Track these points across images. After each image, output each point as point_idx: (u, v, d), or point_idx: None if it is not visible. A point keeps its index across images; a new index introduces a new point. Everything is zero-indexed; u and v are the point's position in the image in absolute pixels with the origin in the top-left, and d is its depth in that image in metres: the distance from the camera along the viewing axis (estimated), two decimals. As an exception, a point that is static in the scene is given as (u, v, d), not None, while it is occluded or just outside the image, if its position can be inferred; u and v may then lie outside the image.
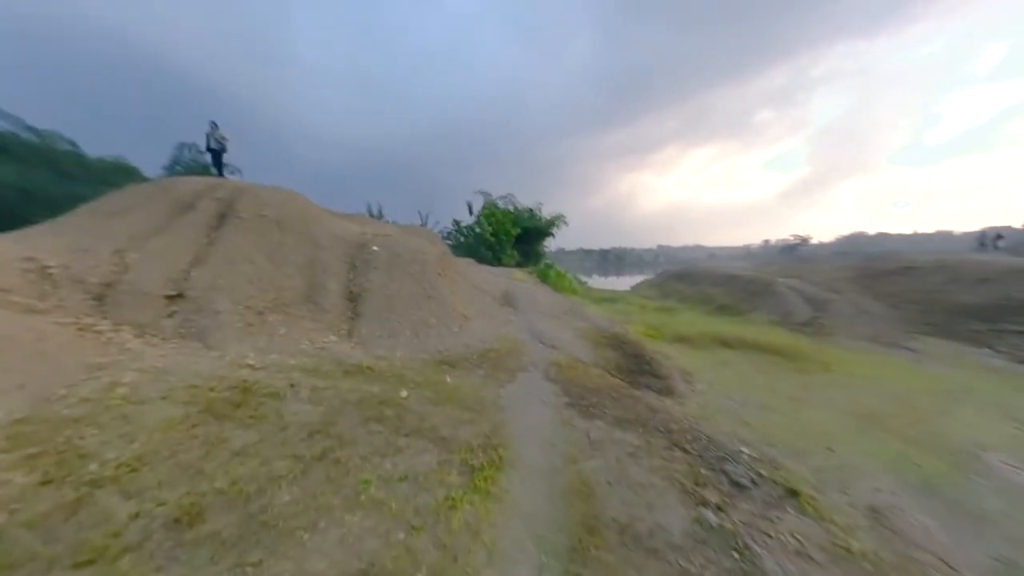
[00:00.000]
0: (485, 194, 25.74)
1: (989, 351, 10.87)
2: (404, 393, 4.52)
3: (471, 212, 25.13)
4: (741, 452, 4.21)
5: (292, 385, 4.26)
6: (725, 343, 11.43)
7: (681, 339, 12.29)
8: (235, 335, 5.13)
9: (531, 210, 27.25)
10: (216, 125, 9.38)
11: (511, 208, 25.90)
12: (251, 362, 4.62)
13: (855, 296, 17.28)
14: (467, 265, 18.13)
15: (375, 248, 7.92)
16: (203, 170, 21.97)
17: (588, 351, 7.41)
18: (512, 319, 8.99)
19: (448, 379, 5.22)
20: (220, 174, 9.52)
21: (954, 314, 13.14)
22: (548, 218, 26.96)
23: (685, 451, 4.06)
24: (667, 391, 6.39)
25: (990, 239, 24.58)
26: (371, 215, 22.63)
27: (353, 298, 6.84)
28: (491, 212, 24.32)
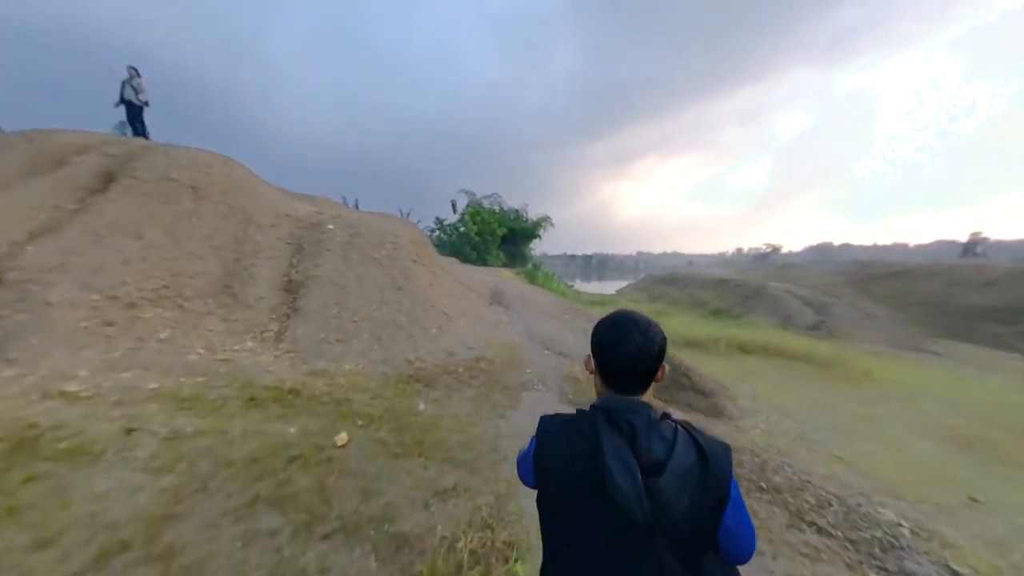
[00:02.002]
0: (470, 193, 23.94)
1: (1019, 355, 9.90)
2: (342, 438, 2.61)
3: (455, 210, 23.22)
4: (899, 526, 2.52)
5: (130, 431, 2.29)
6: (743, 348, 9.99)
7: (692, 344, 10.77)
8: (69, 341, 3.08)
9: (517, 211, 25.60)
10: (136, 71, 7.01)
11: (497, 208, 24.17)
12: (72, 387, 2.61)
13: (852, 299, 16.41)
14: (450, 262, 16.24)
15: (330, 226, 5.96)
16: None
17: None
18: (505, 319, 7.19)
19: (421, 405, 3.34)
20: (140, 133, 7.15)
21: (967, 316, 12.31)
22: (534, 219, 25.37)
23: (815, 526, 2.34)
24: (716, 411, 4.72)
25: (971, 247, 24.69)
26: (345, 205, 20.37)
27: (293, 289, 4.85)
28: (476, 211, 22.50)
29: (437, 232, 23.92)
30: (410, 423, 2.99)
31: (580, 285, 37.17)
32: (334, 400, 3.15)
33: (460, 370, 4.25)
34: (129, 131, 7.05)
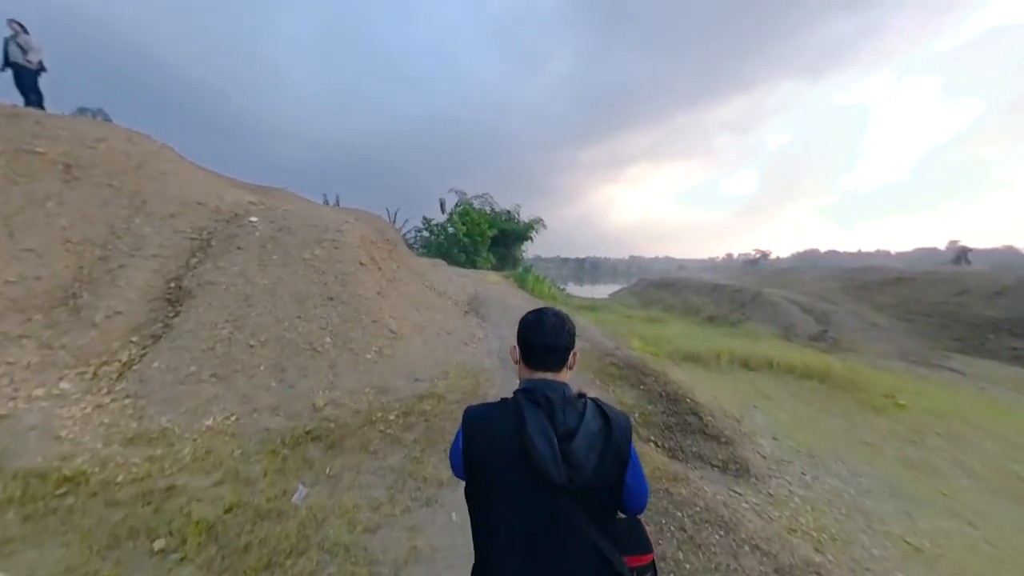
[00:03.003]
0: (460, 192, 22.66)
1: (1047, 374, 8.93)
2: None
3: (443, 210, 21.93)
4: None
5: None
6: (746, 364, 8.85)
7: (691, 358, 9.60)
8: None
9: (509, 212, 24.40)
10: (22, 27, 5.47)
11: (488, 209, 22.94)
12: None
13: (853, 307, 15.43)
14: (431, 265, 14.91)
15: (252, 219, 4.66)
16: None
17: (595, 389, 4.45)
18: (479, 334, 5.95)
19: (299, 493, 2.08)
20: (33, 104, 5.64)
21: (979, 328, 11.36)
22: (526, 221, 24.18)
23: None
24: (737, 464, 3.52)
25: (963, 255, 24.00)
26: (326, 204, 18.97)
27: (177, 299, 3.55)
28: (466, 211, 21.24)
29: (424, 232, 22.63)
30: (262, 535, 1.73)
31: (573, 289, 36.02)
32: (146, 492, 1.87)
33: (392, 417, 2.99)
34: (21, 101, 5.66)
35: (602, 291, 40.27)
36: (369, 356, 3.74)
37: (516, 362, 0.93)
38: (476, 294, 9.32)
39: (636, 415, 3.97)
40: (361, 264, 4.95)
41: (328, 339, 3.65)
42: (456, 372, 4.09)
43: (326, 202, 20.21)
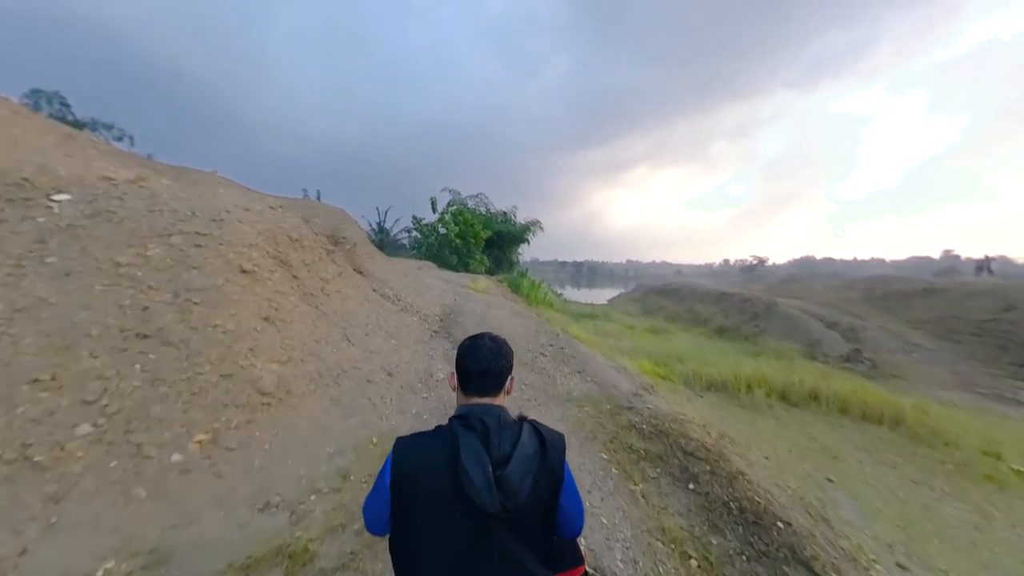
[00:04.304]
0: (453, 192, 20.79)
1: None
2: None
3: (435, 209, 20.06)
4: None
5: None
6: (785, 397, 6.99)
7: (712, 385, 7.72)
8: None
9: (505, 213, 22.53)
10: None
11: (483, 209, 21.08)
12: None
13: (881, 322, 13.61)
14: (416, 268, 13.02)
15: (57, 199, 2.79)
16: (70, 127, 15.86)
17: (610, 481, 2.58)
18: (441, 370, 4.09)
19: None
20: None
21: (1046, 353, 9.56)
22: (523, 223, 22.31)
23: None
24: None
25: (986, 264, 22.25)
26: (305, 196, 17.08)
27: None
28: (459, 211, 19.39)
29: (414, 232, 20.76)
30: None
31: (570, 293, 34.17)
32: None
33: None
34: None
35: (600, 296, 38.34)
36: (178, 459, 1.86)
37: (454, 389, 0.91)
38: (454, 307, 7.44)
39: (695, 548, 2.11)
40: (243, 272, 3.07)
41: (89, 427, 1.78)
42: (382, 454, 2.24)
43: (306, 197, 18.34)
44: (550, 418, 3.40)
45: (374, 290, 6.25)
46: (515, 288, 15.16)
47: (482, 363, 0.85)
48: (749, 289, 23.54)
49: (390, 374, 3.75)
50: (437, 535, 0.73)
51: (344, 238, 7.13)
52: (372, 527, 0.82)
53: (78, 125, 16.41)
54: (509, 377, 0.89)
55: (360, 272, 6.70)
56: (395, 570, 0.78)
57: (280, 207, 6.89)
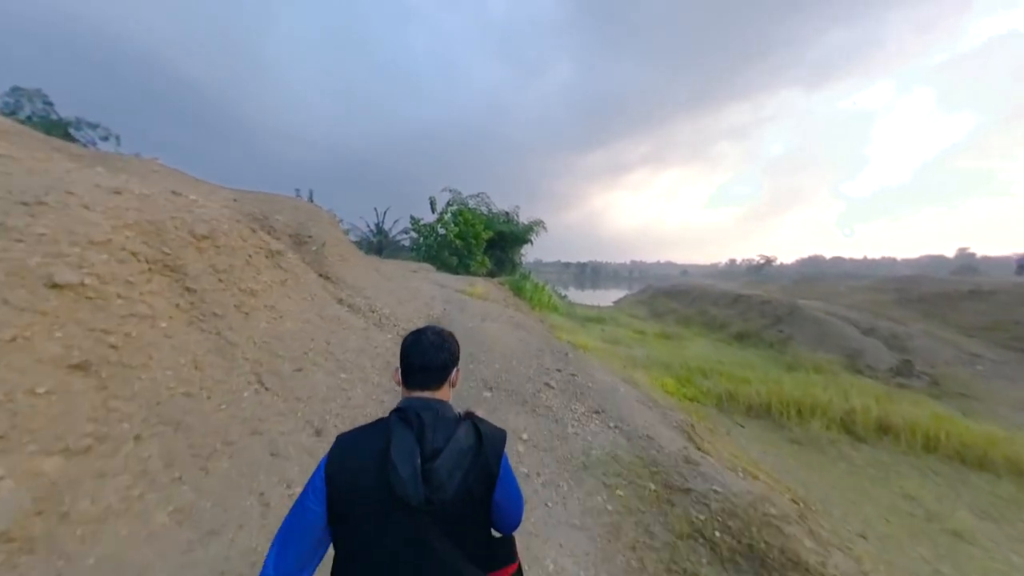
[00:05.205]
0: (454, 191, 19.59)
1: None
2: None
3: (434, 209, 18.87)
4: None
5: None
6: (847, 428, 5.52)
7: (751, 409, 6.29)
8: None
9: (507, 213, 21.30)
10: None
11: (484, 209, 19.86)
12: None
13: (924, 327, 12.04)
14: (412, 270, 11.75)
15: None
16: (49, 126, 14.90)
17: None
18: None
19: None
20: None
21: None
22: (526, 223, 21.05)
23: None
24: None
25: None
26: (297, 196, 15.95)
27: None
28: (460, 211, 18.20)
29: (413, 233, 19.58)
30: None
31: (574, 294, 32.68)
32: None
33: None
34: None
35: (604, 297, 36.63)
36: None
37: (398, 384, 0.88)
38: (443, 317, 6.13)
39: None
40: (56, 287, 1.79)
41: None
42: None
43: (298, 196, 17.22)
44: (565, 523, 2.06)
45: (340, 301, 4.98)
46: (517, 291, 13.84)
47: (424, 357, 0.83)
48: (767, 291, 21.93)
49: (319, 432, 2.45)
50: (369, 531, 0.71)
51: (310, 237, 5.88)
52: (292, 520, 0.72)
53: (62, 124, 15.50)
54: (454, 369, 0.88)
55: (326, 278, 5.44)
56: (333, 567, 0.75)
57: (234, 200, 5.64)
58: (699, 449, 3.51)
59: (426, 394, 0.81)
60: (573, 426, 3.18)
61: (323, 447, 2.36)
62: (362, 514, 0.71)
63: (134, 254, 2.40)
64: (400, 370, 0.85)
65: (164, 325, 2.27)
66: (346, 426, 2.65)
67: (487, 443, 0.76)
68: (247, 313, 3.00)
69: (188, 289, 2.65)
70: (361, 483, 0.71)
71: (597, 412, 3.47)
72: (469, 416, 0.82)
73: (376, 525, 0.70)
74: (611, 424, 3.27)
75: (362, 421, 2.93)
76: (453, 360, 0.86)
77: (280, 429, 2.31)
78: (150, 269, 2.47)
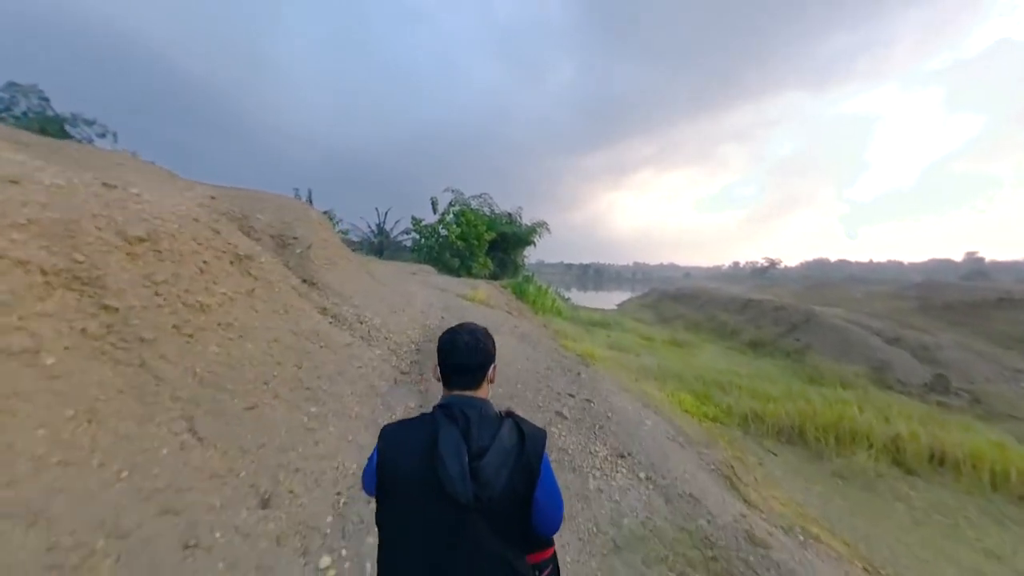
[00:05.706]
0: (456, 192, 18.98)
1: None
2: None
3: (435, 210, 18.29)
4: None
5: None
6: (898, 461, 4.81)
7: (781, 433, 5.58)
8: None
9: (510, 214, 20.66)
10: None
11: (486, 210, 19.23)
12: None
13: (954, 337, 11.27)
14: (411, 272, 11.14)
15: None
16: (45, 122, 14.45)
17: None
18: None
19: None
20: None
21: None
22: (529, 225, 20.41)
23: None
24: None
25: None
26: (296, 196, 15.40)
27: None
28: (461, 211, 17.61)
29: (414, 234, 18.98)
30: None
31: (577, 296, 31.93)
32: None
33: None
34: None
35: (608, 299, 35.71)
36: None
37: (438, 380, 0.90)
38: (440, 328, 5.49)
39: None
40: None
41: None
42: None
43: (297, 197, 16.68)
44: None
45: (323, 311, 4.36)
46: (520, 295, 13.18)
47: (460, 358, 0.85)
48: (776, 295, 21.13)
49: (265, 503, 1.82)
50: (414, 521, 0.75)
51: (295, 238, 5.26)
52: (367, 490, 0.85)
53: (58, 120, 15.07)
54: (491, 366, 0.89)
55: (311, 284, 4.82)
56: (379, 549, 0.79)
57: (211, 197, 5.01)
58: (746, 501, 2.86)
59: (467, 393, 0.84)
60: (596, 478, 2.54)
61: (269, 528, 1.73)
62: (410, 505, 0.75)
63: (22, 263, 1.79)
64: (439, 368, 0.89)
65: (50, 362, 1.66)
66: (304, 490, 2.02)
67: (529, 442, 0.78)
68: (190, 335, 2.38)
69: (105, 308, 2.03)
70: (408, 473, 0.75)
71: (623, 456, 2.82)
72: (510, 415, 0.84)
73: (426, 517, 0.73)
74: (641, 474, 2.62)
75: (329, 475, 2.31)
76: (489, 359, 0.88)
77: (208, 502, 1.69)
78: (47, 283, 1.86)
